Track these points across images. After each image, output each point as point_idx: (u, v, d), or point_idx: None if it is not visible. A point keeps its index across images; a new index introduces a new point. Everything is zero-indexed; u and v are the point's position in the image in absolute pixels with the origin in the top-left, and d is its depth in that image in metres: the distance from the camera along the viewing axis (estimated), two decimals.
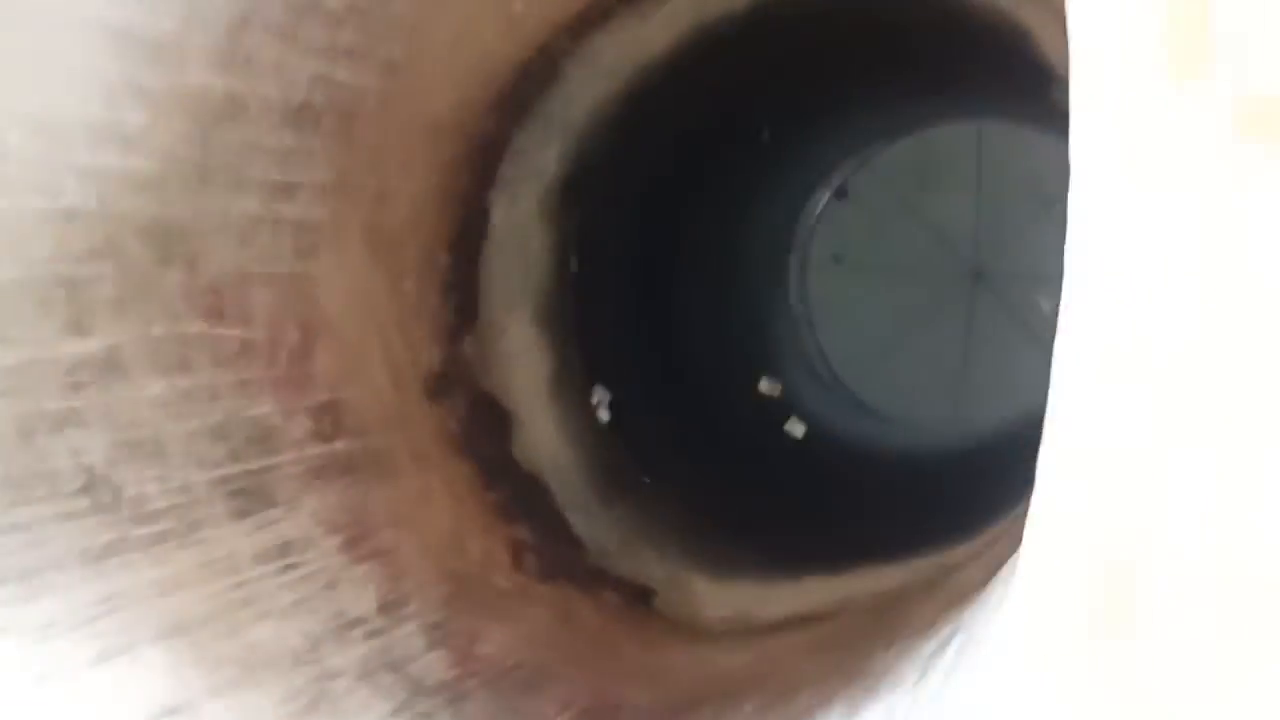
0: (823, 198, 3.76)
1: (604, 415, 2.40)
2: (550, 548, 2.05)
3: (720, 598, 2.18)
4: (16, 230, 1.15)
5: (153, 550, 1.28)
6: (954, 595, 1.23)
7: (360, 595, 1.56)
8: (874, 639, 1.32)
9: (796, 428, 2.95)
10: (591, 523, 2.23)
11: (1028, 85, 1.85)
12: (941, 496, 2.58)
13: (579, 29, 1.93)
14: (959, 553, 1.71)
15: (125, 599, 1.24)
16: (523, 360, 2.18)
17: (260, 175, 1.46)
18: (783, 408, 3.05)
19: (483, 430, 2.03)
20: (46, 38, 1.08)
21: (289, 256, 1.56)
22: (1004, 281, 3.74)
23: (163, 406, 1.34)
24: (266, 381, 1.52)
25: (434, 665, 1.56)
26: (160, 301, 1.35)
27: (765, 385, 3.01)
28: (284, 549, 1.47)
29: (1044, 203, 3.43)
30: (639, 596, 2.18)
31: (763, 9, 2.27)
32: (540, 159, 2.14)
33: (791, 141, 3.19)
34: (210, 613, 1.33)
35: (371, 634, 1.54)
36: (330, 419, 1.63)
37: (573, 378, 2.31)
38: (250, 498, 1.44)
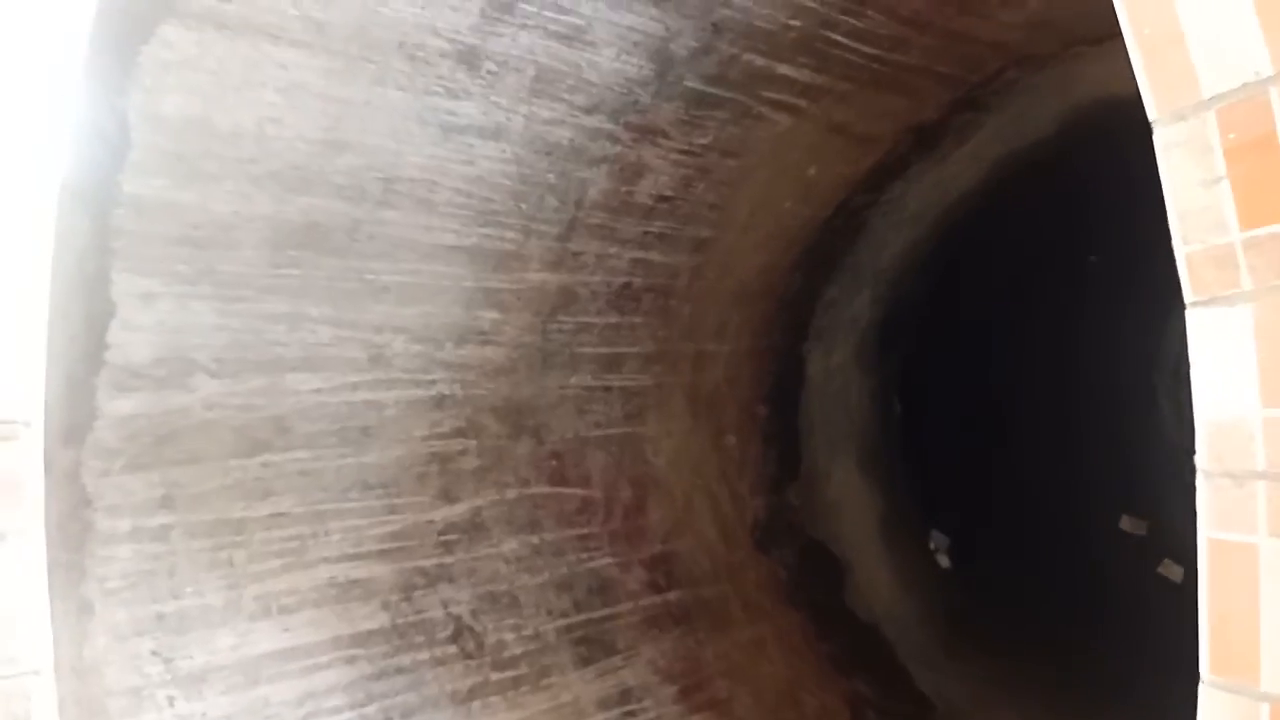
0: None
1: (944, 561, 2.30)
2: (893, 704, 1.97)
3: None
4: (401, 417, 1.40)
5: (509, 694, 1.43)
6: None
7: None
8: None
9: (1173, 571, 2.61)
10: (937, 676, 2.12)
11: None
12: None
13: (877, 181, 2.00)
14: None
15: None
16: (850, 506, 2.18)
17: (591, 352, 1.65)
18: (1154, 548, 2.72)
19: (813, 579, 2.04)
20: (420, 264, 1.34)
21: (620, 420, 1.73)
22: None
23: (517, 561, 1.52)
24: (605, 536, 1.66)
25: None
26: (512, 469, 1.55)
27: (1127, 523, 2.71)
28: (624, 696, 1.57)
29: None
30: None
31: (1074, 126, 2.20)
32: (852, 308, 2.19)
33: (1146, 254, 2.96)
34: None
35: None
36: (663, 570, 1.74)
37: (906, 522, 2.25)
38: (593, 646, 1.57)
